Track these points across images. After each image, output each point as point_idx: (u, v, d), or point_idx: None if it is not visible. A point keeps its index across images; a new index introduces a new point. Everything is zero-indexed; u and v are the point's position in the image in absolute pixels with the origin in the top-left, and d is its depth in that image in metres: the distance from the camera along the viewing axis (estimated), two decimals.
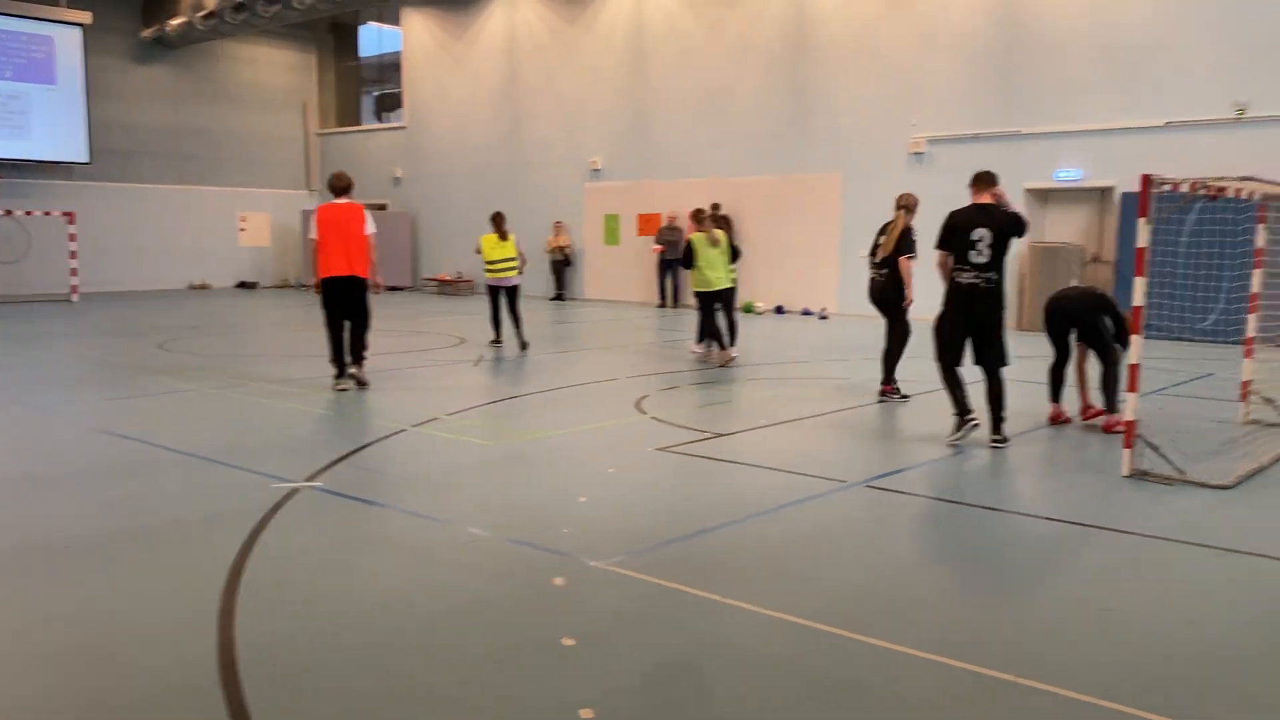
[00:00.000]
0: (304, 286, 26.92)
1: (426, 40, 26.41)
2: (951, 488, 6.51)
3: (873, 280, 9.68)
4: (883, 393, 9.62)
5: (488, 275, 13.67)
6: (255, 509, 5.73)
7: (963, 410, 7.65)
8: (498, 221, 13.69)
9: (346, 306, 9.92)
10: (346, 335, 10.05)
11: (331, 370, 10.14)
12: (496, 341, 13.75)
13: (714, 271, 11.85)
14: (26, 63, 23.52)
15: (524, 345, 13.29)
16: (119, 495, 6.23)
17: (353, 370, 10.11)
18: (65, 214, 22.41)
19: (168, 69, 26.54)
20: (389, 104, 28.88)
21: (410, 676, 3.70)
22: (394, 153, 27.51)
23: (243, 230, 28.08)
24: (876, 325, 10.05)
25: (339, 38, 29.56)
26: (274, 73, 28.69)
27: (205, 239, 27.23)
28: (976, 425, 7.63)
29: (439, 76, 26.24)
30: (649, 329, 13.86)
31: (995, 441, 7.57)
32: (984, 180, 7.68)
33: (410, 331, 16.02)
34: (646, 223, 22.12)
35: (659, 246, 21.07)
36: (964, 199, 7.78)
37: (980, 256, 7.45)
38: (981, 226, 7.45)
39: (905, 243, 9.43)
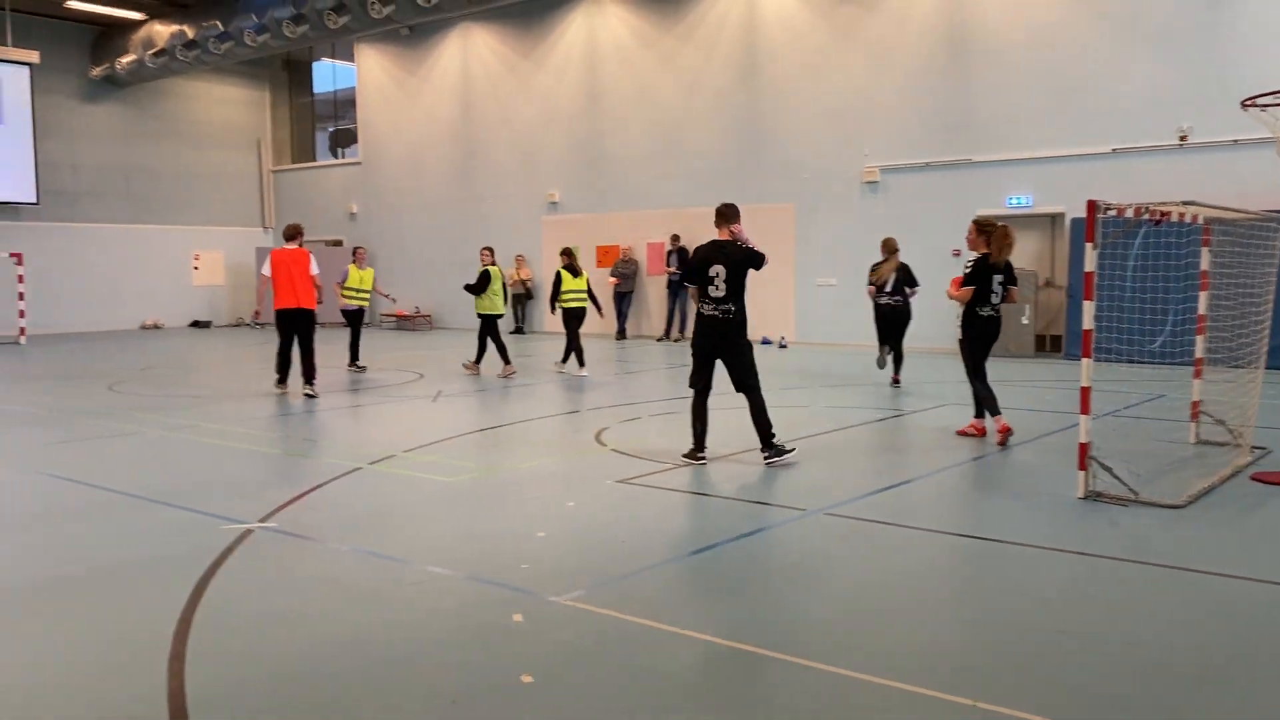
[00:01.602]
0: (257, 324, 26.71)
1: (380, 75, 26.38)
2: (909, 513, 6.52)
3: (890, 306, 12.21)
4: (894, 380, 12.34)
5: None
6: (206, 552, 5.62)
7: (697, 445, 7.97)
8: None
9: (295, 331, 12.20)
10: (295, 354, 12.26)
11: (275, 377, 12.45)
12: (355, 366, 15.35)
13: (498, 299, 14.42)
14: None
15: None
16: (64, 539, 6.08)
17: (306, 390, 12.10)
18: (13, 255, 22.04)
19: (118, 107, 26.29)
20: (344, 140, 28.76)
21: None
22: (349, 188, 27.38)
23: (196, 269, 27.77)
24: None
25: (293, 74, 29.45)
26: (227, 110, 28.51)
27: (158, 278, 26.89)
28: (703, 464, 7.88)
29: (393, 111, 26.20)
30: (608, 360, 13.84)
31: (766, 458, 7.85)
32: (721, 216, 7.95)
33: (366, 367, 15.85)
34: (605, 255, 22.16)
35: (615, 279, 21.14)
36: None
37: (718, 291, 7.81)
38: (716, 263, 7.80)
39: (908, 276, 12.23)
